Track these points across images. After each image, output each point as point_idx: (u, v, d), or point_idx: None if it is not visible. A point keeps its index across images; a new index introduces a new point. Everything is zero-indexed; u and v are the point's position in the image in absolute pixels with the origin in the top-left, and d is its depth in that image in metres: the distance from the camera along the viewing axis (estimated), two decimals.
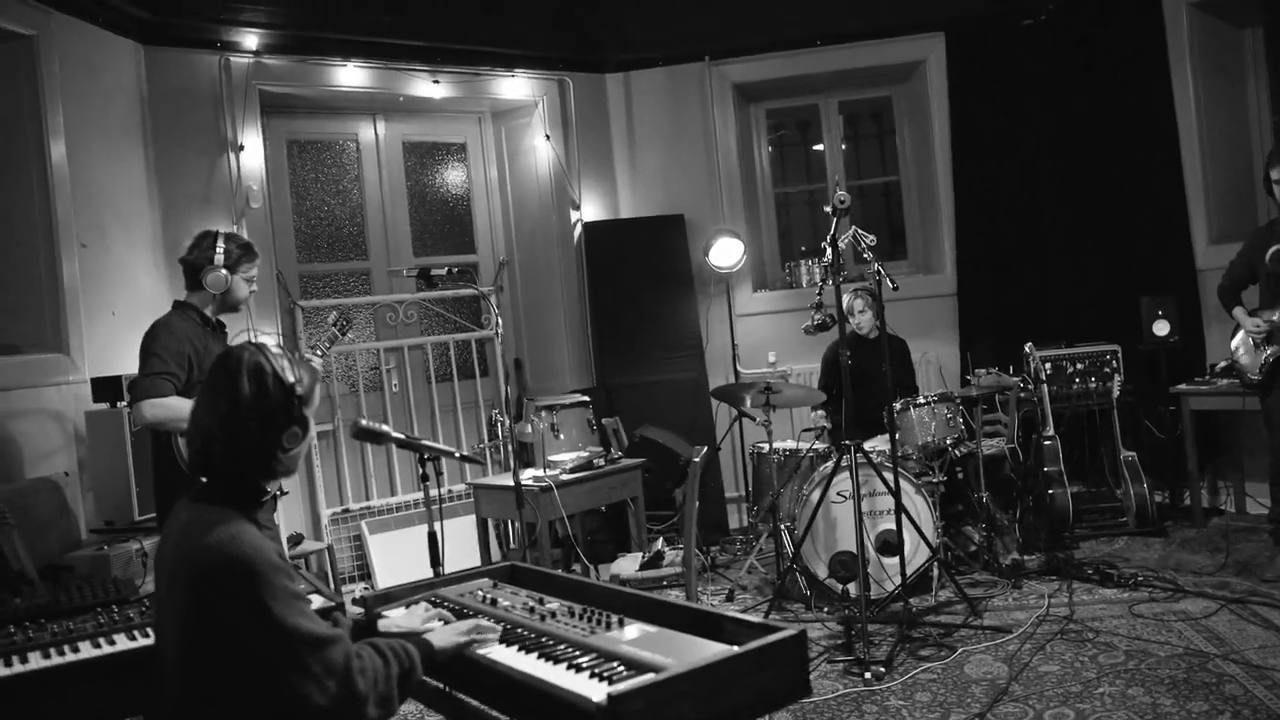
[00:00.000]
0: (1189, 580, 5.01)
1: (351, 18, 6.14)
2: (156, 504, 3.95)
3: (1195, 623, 4.42)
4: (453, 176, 7.08)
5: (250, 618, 1.84)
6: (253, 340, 2.09)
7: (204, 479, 2.02)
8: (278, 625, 1.83)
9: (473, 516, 5.58)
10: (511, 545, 6.16)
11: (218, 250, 3.78)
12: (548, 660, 2.09)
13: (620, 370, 6.88)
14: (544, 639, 2.22)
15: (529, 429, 5.37)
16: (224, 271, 3.78)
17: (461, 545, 5.72)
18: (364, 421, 2.66)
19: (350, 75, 6.16)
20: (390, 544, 6.09)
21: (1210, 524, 6.05)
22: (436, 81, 6.44)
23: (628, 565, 4.68)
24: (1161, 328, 6.21)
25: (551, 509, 4.92)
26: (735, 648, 1.95)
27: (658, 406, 6.68)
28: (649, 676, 1.84)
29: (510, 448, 4.72)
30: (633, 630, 2.20)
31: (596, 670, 1.98)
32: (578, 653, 2.10)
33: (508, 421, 5.71)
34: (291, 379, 2.03)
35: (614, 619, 2.26)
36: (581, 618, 2.31)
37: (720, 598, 5.46)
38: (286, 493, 3.13)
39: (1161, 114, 6.52)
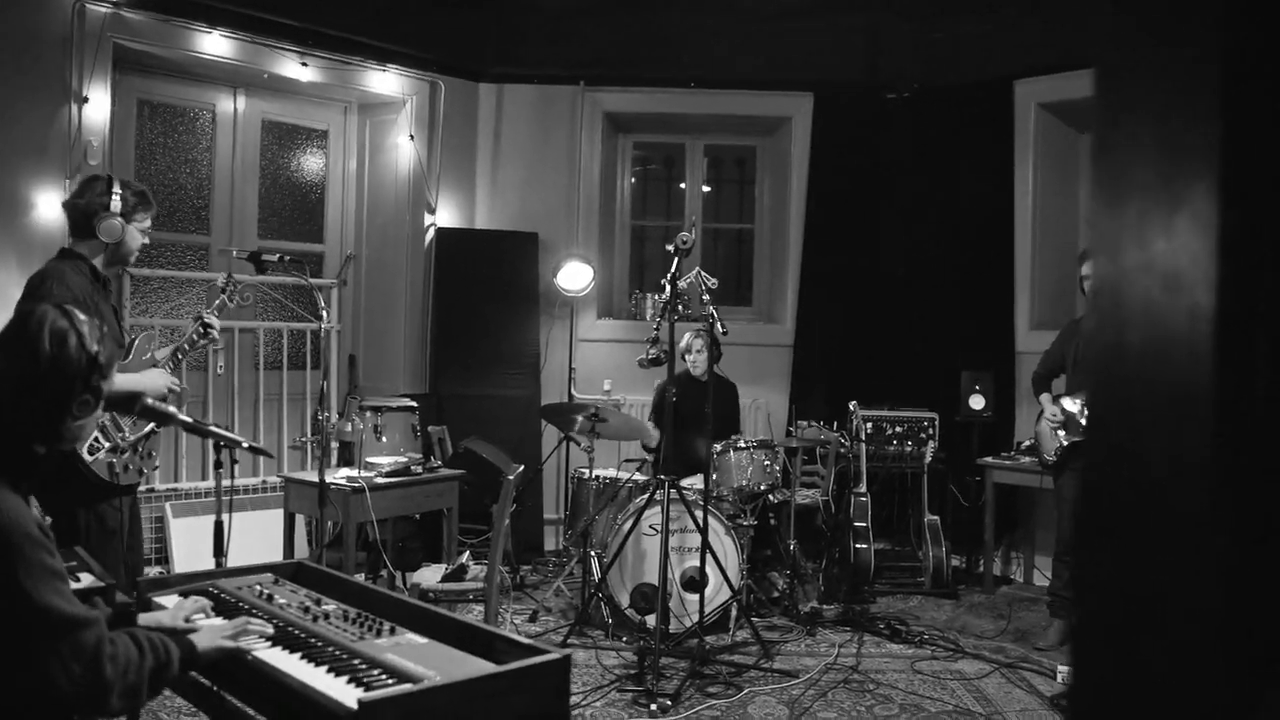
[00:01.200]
0: (970, 642, 5.27)
1: None
2: None
3: (969, 683, 4.65)
4: (309, 162, 6.94)
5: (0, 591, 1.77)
6: (57, 304, 2.02)
7: None
8: (28, 602, 1.77)
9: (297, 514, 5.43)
10: (324, 543, 6.01)
11: (113, 196, 3.56)
12: (311, 662, 2.06)
13: (455, 379, 6.83)
14: (312, 639, 2.19)
15: (349, 427, 5.27)
16: (119, 220, 3.55)
17: (268, 538, 5.57)
18: (149, 400, 2.57)
19: (215, 44, 5.98)
20: (193, 529, 5.88)
21: (999, 591, 6.37)
22: (305, 64, 6.30)
23: (430, 575, 4.64)
24: (977, 401, 6.54)
25: (361, 511, 4.84)
26: (497, 666, 1.96)
27: (489, 420, 6.65)
28: (405, 687, 1.85)
29: (324, 445, 4.62)
30: (403, 639, 2.19)
31: (357, 676, 1.97)
32: (343, 657, 2.08)
33: (331, 417, 5.60)
34: (95, 348, 1.98)
35: (386, 626, 2.25)
36: (354, 622, 2.29)
37: (524, 617, 5.46)
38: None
39: (1001, 202, 6.89)
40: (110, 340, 2.07)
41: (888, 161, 7.25)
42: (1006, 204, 6.88)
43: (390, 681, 1.93)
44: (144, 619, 2.23)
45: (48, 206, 5.39)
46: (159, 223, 6.23)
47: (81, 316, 2.02)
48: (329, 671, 2.00)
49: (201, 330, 3.93)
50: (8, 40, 5.29)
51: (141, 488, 5.75)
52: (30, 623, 1.77)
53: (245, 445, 2.82)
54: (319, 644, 2.16)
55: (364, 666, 2.02)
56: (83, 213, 3.58)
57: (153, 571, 5.62)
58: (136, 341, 3.85)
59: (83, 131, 5.49)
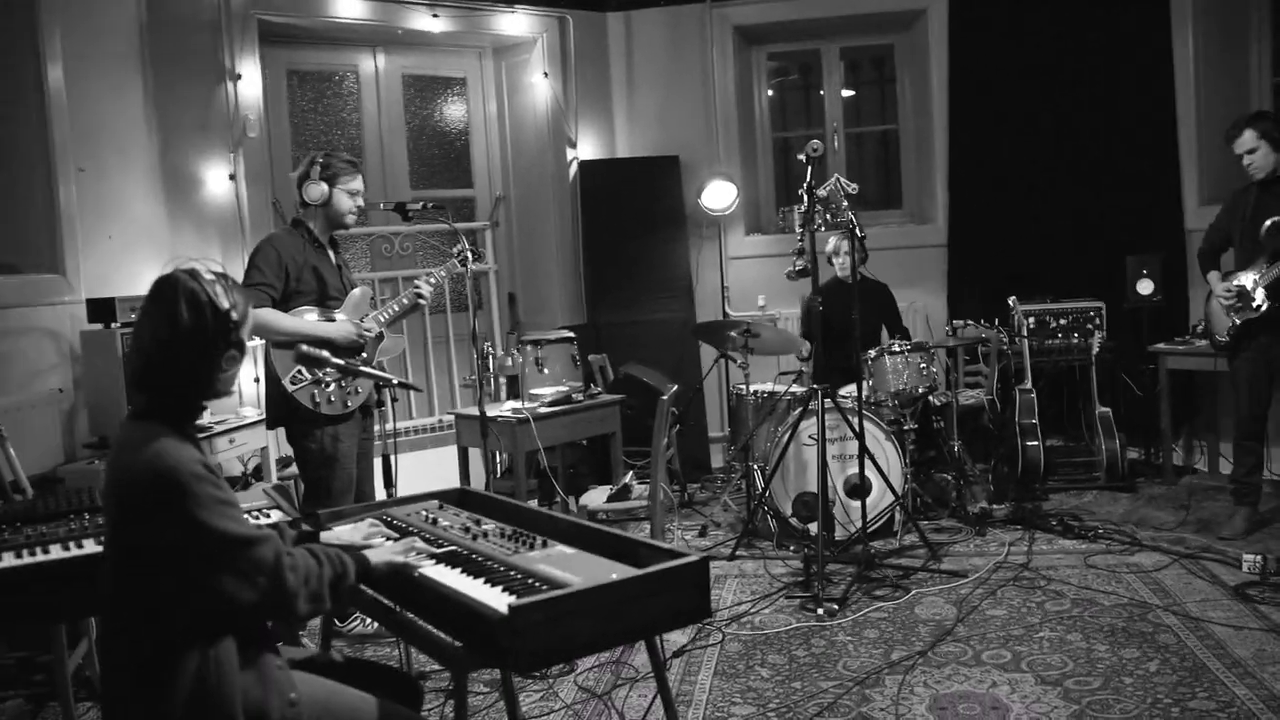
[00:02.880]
0: (1148, 535, 5.13)
1: None
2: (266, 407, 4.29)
3: (1145, 575, 4.55)
4: (452, 111, 7.15)
5: (178, 525, 1.96)
6: (186, 266, 2.15)
7: (144, 396, 2.13)
8: (204, 529, 1.96)
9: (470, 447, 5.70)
10: (498, 474, 6.31)
11: (317, 164, 4.12)
12: (470, 575, 2.23)
13: (611, 308, 6.99)
14: (472, 555, 2.37)
15: (509, 362, 5.49)
16: (323, 184, 4.08)
17: (446, 472, 5.88)
18: (304, 347, 2.79)
19: (349, 6, 6.21)
20: (400, 466, 6.25)
21: (1180, 482, 6.15)
22: (436, 15, 6.48)
23: (597, 497, 4.83)
24: (1145, 287, 6.27)
25: (528, 440, 5.07)
26: (638, 570, 2.08)
27: (646, 345, 6.80)
28: (551, 592, 1.98)
29: (490, 381, 4.86)
30: (554, 551, 2.34)
31: (510, 585, 2.12)
32: (498, 569, 2.25)
33: (498, 354, 5.84)
34: (226, 304, 2.12)
35: (539, 540, 2.40)
36: (510, 539, 2.45)
37: (694, 533, 5.62)
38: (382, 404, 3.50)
39: (1160, 73, 6.51)
40: (240, 290, 2.20)
41: (1032, 43, 6.89)
42: (1167, 75, 6.50)
43: (541, 588, 2.07)
44: (325, 537, 2.45)
45: (216, 182, 5.77)
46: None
47: (209, 276, 2.15)
48: (485, 582, 2.17)
49: (411, 299, 4.42)
50: (165, 29, 5.64)
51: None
52: (211, 546, 1.98)
53: (395, 381, 3.01)
54: (477, 559, 2.33)
55: (517, 576, 2.18)
56: (297, 184, 4.16)
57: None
58: (351, 295, 4.32)
59: (239, 107, 5.82)
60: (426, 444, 6.54)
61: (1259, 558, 4.38)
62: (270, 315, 3.98)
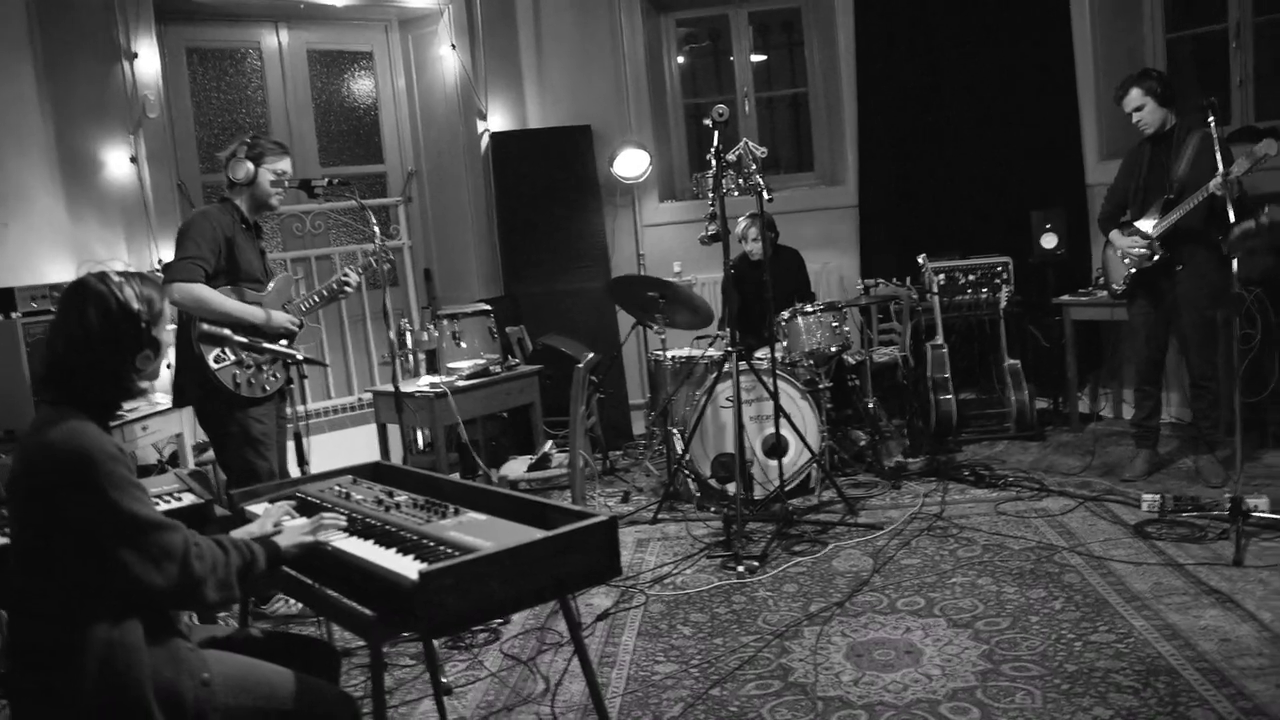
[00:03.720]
0: (1056, 480, 5.30)
1: None
2: (174, 384, 4.25)
3: (1052, 519, 4.71)
4: (359, 86, 7.05)
5: (89, 503, 1.96)
6: (96, 270, 2.15)
7: (59, 394, 2.12)
8: (115, 510, 1.97)
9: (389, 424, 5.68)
10: (419, 449, 6.30)
11: (244, 143, 4.14)
12: (382, 545, 2.25)
13: (528, 279, 6.99)
14: (385, 526, 2.38)
15: (425, 337, 5.48)
16: (248, 163, 4.09)
17: (368, 450, 5.85)
18: (205, 326, 2.77)
19: None
20: (321, 445, 6.20)
21: (1086, 429, 6.35)
22: None
23: (516, 467, 4.86)
24: (1049, 240, 6.44)
25: (446, 414, 5.07)
26: (547, 531, 2.12)
27: (565, 315, 6.82)
28: (461, 557, 2.01)
29: (408, 358, 4.84)
30: (466, 518, 2.37)
31: (422, 552, 2.15)
32: (410, 538, 2.27)
33: (415, 330, 5.82)
34: (137, 306, 2.11)
35: (451, 509, 2.43)
36: (422, 508, 2.48)
37: (616, 499, 5.67)
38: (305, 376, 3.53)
39: (1060, 33, 6.65)
40: (153, 286, 2.20)
41: (936, 5, 7.01)
42: (1066, 33, 6.64)
43: (452, 554, 2.10)
44: (235, 533, 2.44)
45: (116, 165, 5.63)
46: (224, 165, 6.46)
47: (118, 279, 2.14)
48: (397, 551, 2.19)
49: (337, 287, 4.46)
50: (54, 7, 5.45)
51: None
52: (120, 528, 1.97)
53: (300, 357, 3.01)
54: (389, 529, 2.35)
55: (429, 544, 2.20)
56: (225, 162, 4.16)
57: None
58: (275, 281, 4.33)
59: (138, 87, 5.67)
60: (346, 423, 6.51)
61: (1158, 497, 4.59)
62: (205, 293, 3.96)
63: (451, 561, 1.98)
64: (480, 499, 2.52)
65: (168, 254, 4.68)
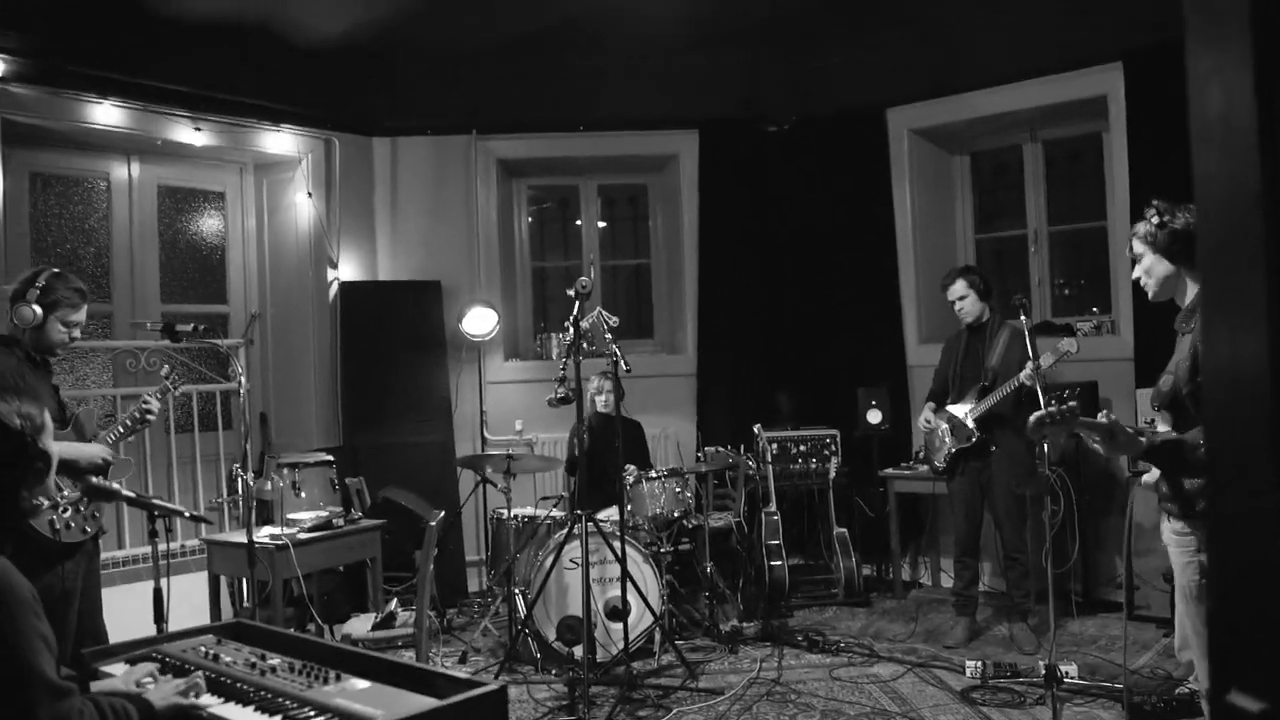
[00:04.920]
0: (884, 646, 5.54)
1: (111, 55, 5.97)
2: None
3: (884, 685, 4.91)
4: (208, 224, 6.97)
5: None
6: None
7: None
8: (24, 664, 1.86)
9: (205, 573, 5.47)
10: (244, 603, 6.02)
11: (37, 286, 3.77)
12: (264, 712, 2.20)
13: (368, 431, 6.92)
14: (263, 692, 2.31)
15: (269, 486, 5.34)
16: (36, 308, 3.74)
17: (191, 602, 5.57)
18: (95, 479, 2.68)
19: (106, 113, 6.00)
20: (114, 599, 5.82)
21: (909, 595, 6.67)
22: (198, 129, 6.36)
23: (360, 626, 4.73)
24: (874, 416, 6.86)
25: (287, 568, 4.91)
26: (439, 700, 2.12)
27: (404, 468, 6.74)
28: None
29: (244, 505, 4.68)
30: (349, 685, 2.33)
31: None
32: (294, 705, 2.21)
33: (248, 477, 5.64)
34: (17, 422, 2.05)
35: (331, 674, 2.38)
36: (300, 673, 2.42)
37: (454, 659, 5.56)
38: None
39: (883, 224, 7.26)
40: (27, 397, 2.12)
41: (774, 191, 7.59)
42: (889, 225, 7.25)
43: None
44: (97, 686, 2.33)
45: None
46: None
47: None
48: None
49: (139, 415, 4.16)
50: None
51: None
52: (24, 684, 1.86)
53: (188, 515, 2.93)
54: (270, 695, 2.28)
55: (316, 712, 2.16)
56: (10, 299, 3.81)
57: None
58: (79, 415, 4.03)
59: None
60: (142, 575, 6.12)
61: (979, 664, 4.85)
62: None
63: None
64: (357, 663, 2.48)
65: None
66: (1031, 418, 3.36)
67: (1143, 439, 2.90)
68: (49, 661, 1.93)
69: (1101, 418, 2.95)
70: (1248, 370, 0.93)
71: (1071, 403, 3.17)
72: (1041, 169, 7.04)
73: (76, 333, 3.94)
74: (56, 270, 3.90)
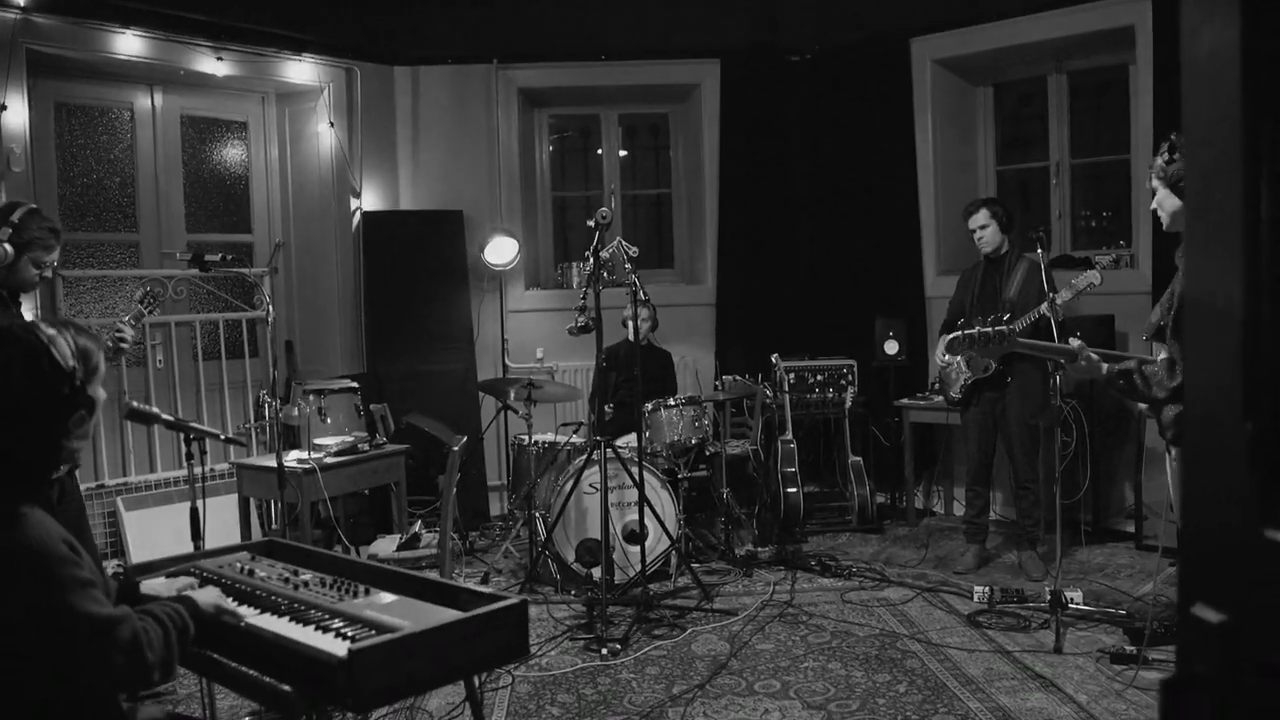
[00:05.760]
0: (895, 572, 5.67)
1: None
2: None
3: (893, 608, 5.05)
4: (232, 154, 7.04)
5: (39, 607, 1.91)
6: (22, 322, 2.08)
7: None
8: (70, 613, 1.91)
9: (234, 495, 5.64)
10: (273, 525, 6.21)
11: (11, 222, 3.66)
12: (299, 623, 2.32)
13: (392, 358, 7.04)
14: (296, 605, 2.44)
15: (295, 412, 5.47)
16: (8, 246, 3.66)
17: (222, 523, 5.76)
18: (135, 403, 2.79)
19: (129, 43, 6.05)
20: (146, 521, 6.04)
21: (921, 523, 6.79)
22: (220, 58, 6.40)
23: (386, 546, 4.89)
24: (891, 347, 6.93)
25: (314, 490, 5.07)
26: (463, 613, 2.24)
27: (427, 395, 6.88)
28: (386, 636, 2.11)
29: (275, 430, 4.83)
30: (377, 598, 2.46)
31: (341, 631, 2.23)
32: (326, 616, 2.34)
33: (275, 403, 5.78)
34: (71, 364, 2.03)
35: (361, 588, 2.51)
36: (332, 587, 2.54)
37: (476, 580, 5.73)
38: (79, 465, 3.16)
39: (904, 156, 7.24)
40: (88, 337, 2.11)
41: (795, 122, 7.57)
42: (909, 157, 7.22)
43: (371, 633, 2.19)
44: (146, 588, 2.44)
45: None
46: (89, 224, 6.35)
47: (49, 331, 2.04)
48: (316, 629, 2.26)
49: (113, 344, 3.93)
50: None
51: (91, 483, 5.92)
52: (74, 629, 1.93)
53: (223, 438, 3.04)
54: (303, 607, 2.41)
55: (347, 623, 2.28)
56: None
57: (111, 565, 5.78)
58: None
59: (3, 139, 5.55)
60: (174, 498, 6.30)
61: (986, 589, 4.98)
62: None
63: (378, 639, 2.08)
64: (385, 579, 2.61)
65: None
66: (948, 336, 3.52)
67: (1105, 366, 3.05)
68: (97, 600, 1.97)
69: (1072, 342, 3.10)
70: (1221, 301, 0.99)
71: (1000, 327, 3.29)
72: (1066, 101, 6.98)
73: (48, 272, 3.86)
74: (33, 206, 3.81)
